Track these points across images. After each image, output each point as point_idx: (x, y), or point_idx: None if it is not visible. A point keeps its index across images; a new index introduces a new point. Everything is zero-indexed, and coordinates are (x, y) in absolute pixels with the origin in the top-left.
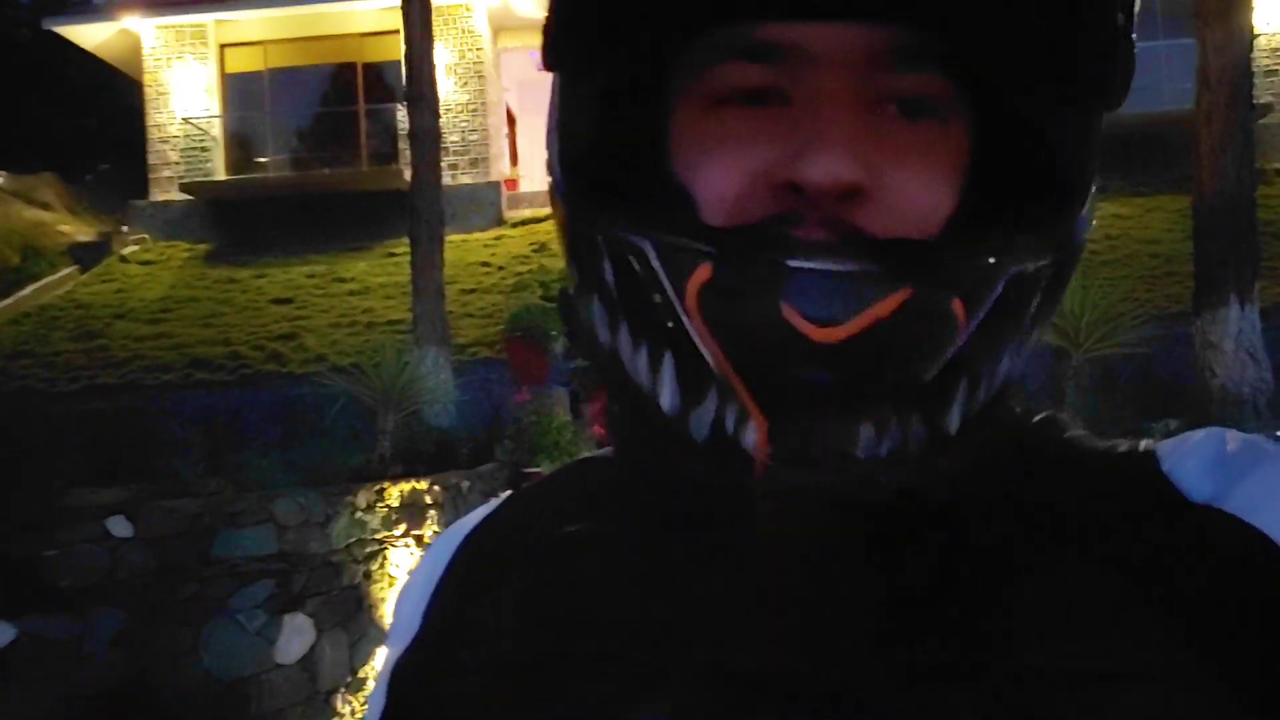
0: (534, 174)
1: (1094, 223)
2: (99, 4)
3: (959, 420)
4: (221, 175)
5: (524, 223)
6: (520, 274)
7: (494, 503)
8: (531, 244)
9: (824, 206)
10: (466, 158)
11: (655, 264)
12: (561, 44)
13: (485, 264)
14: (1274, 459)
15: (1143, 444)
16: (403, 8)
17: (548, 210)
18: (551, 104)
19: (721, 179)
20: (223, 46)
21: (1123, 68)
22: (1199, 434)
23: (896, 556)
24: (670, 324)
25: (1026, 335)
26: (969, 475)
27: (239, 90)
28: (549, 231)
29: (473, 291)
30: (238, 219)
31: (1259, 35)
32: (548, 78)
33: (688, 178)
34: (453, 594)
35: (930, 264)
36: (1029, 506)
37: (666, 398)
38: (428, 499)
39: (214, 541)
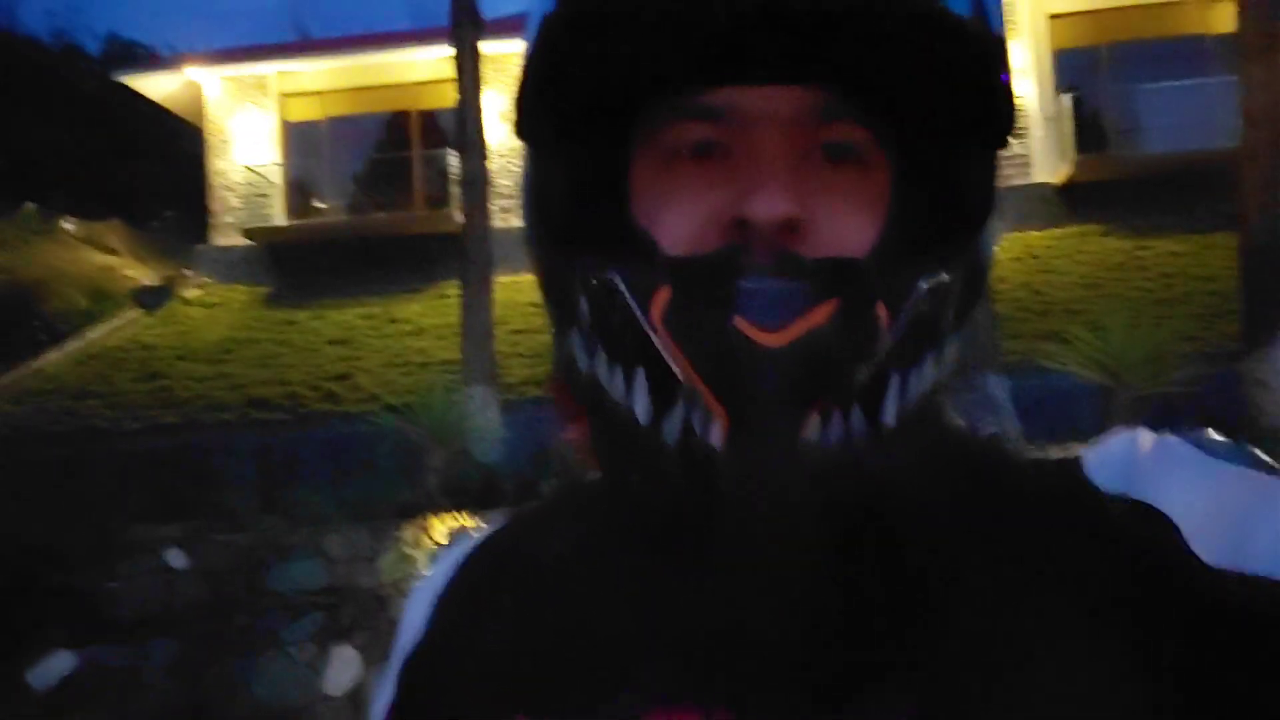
0: None
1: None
2: (166, 56)
3: (894, 415)
4: (281, 221)
5: None
6: None
7: (494, 524)
8: None
9: (767, 238)
10: (516, 201)
11: (624, 291)
12: (529, 120)
13: (535, 305)
14: (1172, 448)
15: (1072, 452)
16: (455, 57)
17: None
18: (524, 171)
19: (677, 223)
20: (283, 96)
21: (1007, 114)
22: (1116, 436)
23: (847, 555)
24: (640, 343)
25: (944, 341)
26: (912, 481)
27: (299, 138)
28: None
29: (522, 332)
30: (296, 263)
31: None
32: None
33: (647, 225)
34: (456, 601)
35: (855, 278)
36: (965, 511)
37: (641, 410)
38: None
39: (266, 574)
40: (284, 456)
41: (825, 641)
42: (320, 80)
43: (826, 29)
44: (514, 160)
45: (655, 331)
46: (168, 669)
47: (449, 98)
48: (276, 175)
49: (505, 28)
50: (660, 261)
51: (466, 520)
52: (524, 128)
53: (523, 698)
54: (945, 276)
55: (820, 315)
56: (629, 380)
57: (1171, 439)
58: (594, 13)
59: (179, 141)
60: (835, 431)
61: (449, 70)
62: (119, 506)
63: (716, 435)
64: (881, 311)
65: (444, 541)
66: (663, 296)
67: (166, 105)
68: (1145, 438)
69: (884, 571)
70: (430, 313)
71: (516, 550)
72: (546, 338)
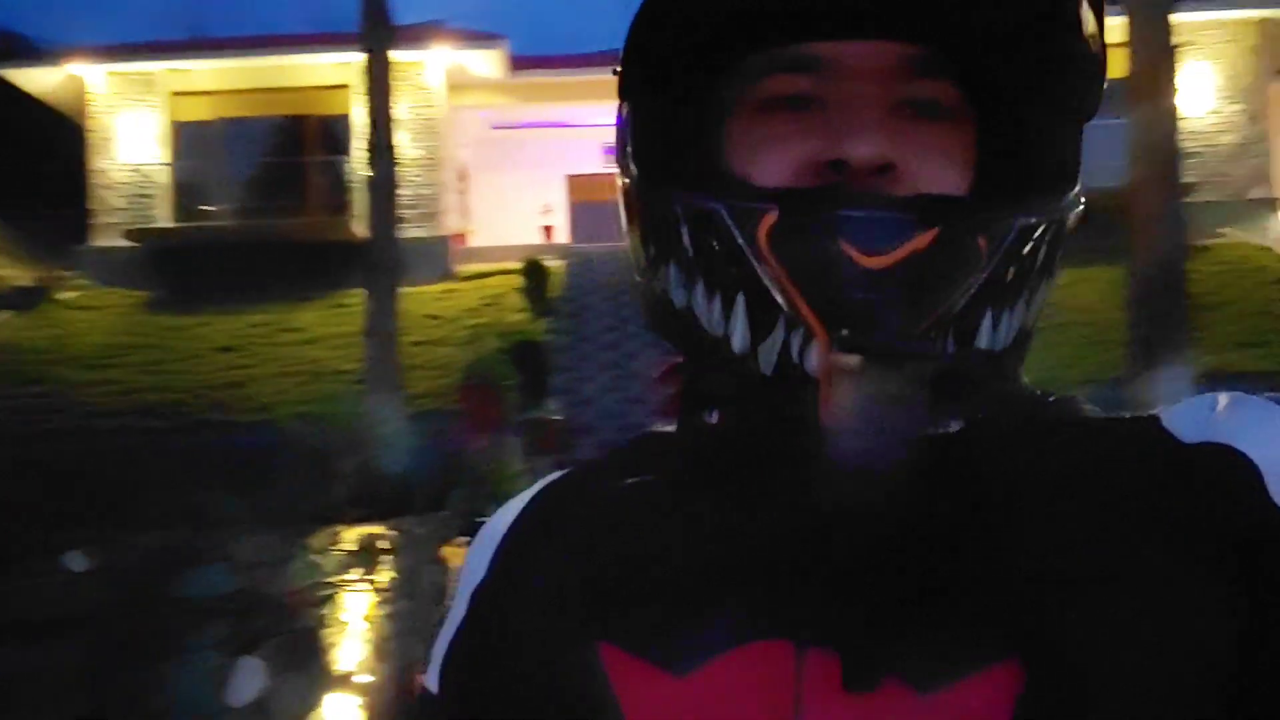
0: (485, 230)
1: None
2: (47, 50)
3: (986, 344)
4: (167, 223)
5: (474, 277)
6: (470, 327)
7: (563, 470)
8: (481, 298)
9: (862, 179)
10: (417, 212)
11: (728, 221)
12: (636, 71)
13: (435, 317)
14: (1255, 401)
15: (1149, 411)
16: (366, 62)
17: (498, 265)
18: (620, 127)
19: (773, 166)
20: (173, 95)
21: (1096, 82)
22: (1198, 396)
23: (932, 488)
24: (741, 269)
25: (1036, 283)
26: (993, 426)
27: (189, 138)
28: (499, 285)
29: (422, 344)
30: (183, 267)
31: (1183, 119)
32: (500, 136)
33: (743, 170)
34: (527, 534)
35: (956, 211)
36: (1042, 452)
37: (738, 338)
38: (384, 544)
39: (171, 580)
40: (182, 464)
41: (920, 580)
42: (212, 80)
43: None
44: (414, 170)
45: (759, 256)
46: (69, 673)
47: (346, 104)
48: (164, 176)
49: (413, 36)
50: (765, 191)
51: (376, 529)
52: (630, 79)
53: (606, 626)
54: (1040, 218)
55: (922, 242)
56: (728, 307)
57: (1250, 395)
58: None
59: (59, 138)
60: (934, 348)
61: (347, 76)
62: (13, 510)
63: (814, 360)
64: (981, 242)
65: (353, 549)
66: (769, 220)
67: (46, 100)
68: (1225, 394)
69: (977, 515)
70: (324, 322)
71: (588, 488)
72: (448, 350)
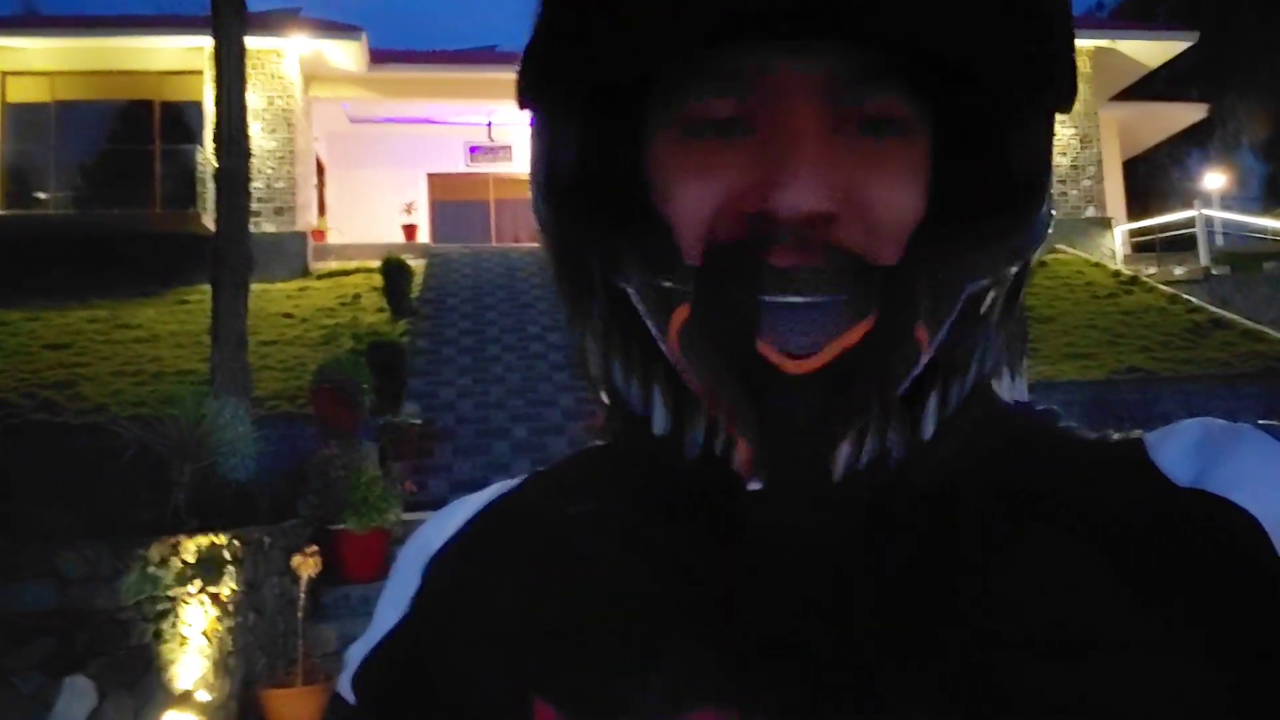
0: (343, 225)
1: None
2: None
3: (933, 427)
4: None
5: (330, 275)
6: (326, 327)
7: (511, 481)
8: (338, 297)
9: (795, 230)
10: (271, 206)
11: (639, 306)
12: (538, 88)
13: (288, 315)
14: (1252, 440)
15: (1133, 434)
16: (215, 46)
17: (356, 263)
18: (532, 143)
19: (693, 207)
20: (4, 74)
21: (1068, 69)
22: (1185, 423)
23: (885, 537)
24: (657, 358)
25: (994, 335)
26: (956, 462)
27: (20, 121)
28: (357, 285)
29: (273, 343)
30: (11, 257)
31: None
32: (358, 130)
33: (664, 206)
34: (458, 558)
35: (893, 290)
36: (1016, 490)
37: (658, 422)
38: (226, 554)
39: None
40: (6, 468)
41: (866, 620)
42: (49, 60)
43: None
44: (268, 162)
45: (673, 352)
46: None
47: (196, 91)
48: None
49: (268, 23)
50: (678, 270)
51: (219, 538)
52: (532, 97)
53: (540, 679)
54: (990, 279)
55: (853, 338)
56: (645, 392)
57: (1247, 429)
58: None
59: None
60: (868, 455)
61: (197, 61)
62: None
63: (740, 459)
64: (920, 331)
65: (192, 560)
66: (681, 315)
67: None
68: (1216, 427)
69: (927, 551)
70: (167, 319)
71: (536, 513)
72: (300, 350)
